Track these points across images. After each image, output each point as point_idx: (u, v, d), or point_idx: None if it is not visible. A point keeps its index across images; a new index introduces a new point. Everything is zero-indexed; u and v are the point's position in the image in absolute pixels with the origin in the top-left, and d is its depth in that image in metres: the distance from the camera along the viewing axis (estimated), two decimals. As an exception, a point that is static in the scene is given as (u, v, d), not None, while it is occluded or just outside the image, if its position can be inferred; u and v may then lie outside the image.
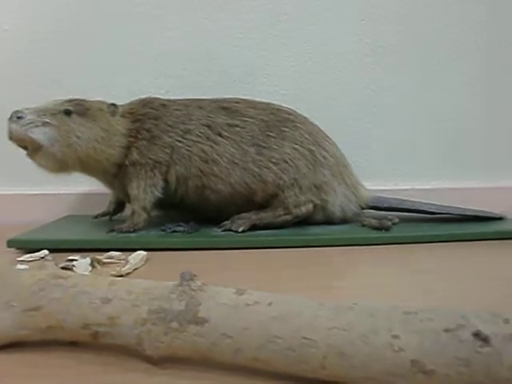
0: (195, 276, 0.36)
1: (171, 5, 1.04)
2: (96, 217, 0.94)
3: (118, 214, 0.95)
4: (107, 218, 0.94)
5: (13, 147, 0.77)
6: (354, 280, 0.65)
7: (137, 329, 0.35)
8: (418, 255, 0.75)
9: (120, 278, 0.39)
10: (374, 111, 1.10)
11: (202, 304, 0.34)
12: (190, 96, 0.90)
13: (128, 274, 0.63)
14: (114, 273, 0.61)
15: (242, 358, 0.33)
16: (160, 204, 0.84)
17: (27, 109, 0.74)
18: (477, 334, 0.29)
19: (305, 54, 1.07)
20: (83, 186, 1.02)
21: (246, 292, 0.35)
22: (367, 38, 1.08)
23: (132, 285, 0.37)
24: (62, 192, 1.05)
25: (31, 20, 1.02)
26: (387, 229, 0.83)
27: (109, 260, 0.69)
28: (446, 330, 0.30)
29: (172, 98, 0.89)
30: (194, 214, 0.86)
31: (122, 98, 0.87)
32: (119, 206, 0.94)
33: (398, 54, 1.09)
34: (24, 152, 0.78)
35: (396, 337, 0.30)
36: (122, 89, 1.00)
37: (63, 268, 0.65)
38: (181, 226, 0.82)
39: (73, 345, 0.41)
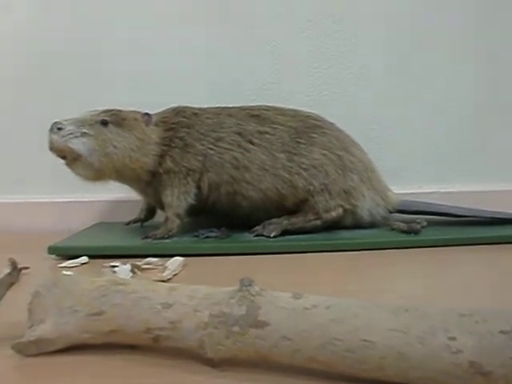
0: (253, 281, 0.37)
1: (196, 14, 1.06)
2: (128, 223, 0.96)
3: (149, 221, 0.97)
4: (138, 224, 0.96)
5: (45, 156, 0.80)
6: (391, 283, 0.66)
7: (198, 332, 0.37)
8: (449, 258, 0.76)
9: (178, 285, 0.41)
10: (398, 115, 1.11)
11: (261, 308, 0.36)
12: (216, 104, 0.92)
13: (169, 279, 0.65)
14: (156, 278, 0.63)
15: (301, 360, 0.35)
16: (192, 210, 0.85)
17: (66, 120, 0.77)
18: (532, 336, 0.30)
19: (329, 60, 1.09)
20: (112, 193, 1.05)
21: (303, 296, 0.37)
22: (391, 41, 1.09)
23: (192, 291, 0.39)
24: (92, 199, 1.07)
25: (68, 32, 1.06)
26: (416, 232, 0.84)
27: (147, 266, 0.72)
28: (502, 332, 0.31)
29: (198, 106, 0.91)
30: (225, 219, 0.87)
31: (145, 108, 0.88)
32: (150, 212, 0.96)
33: (420, 58, 1.10)
34: (56, 161, 0.81)
35: (453, 338, 0.32)
36: (146, 99, 1.02)
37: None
38: (213, 231, 0.84)
39: (131, 348, 0.43)
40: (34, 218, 1.04)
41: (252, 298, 0.36)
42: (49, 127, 0.76)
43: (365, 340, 0.33)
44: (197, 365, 0.39)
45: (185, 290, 0.40)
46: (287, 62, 1.08)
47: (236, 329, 0.36)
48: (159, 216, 0.96)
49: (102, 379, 0.39)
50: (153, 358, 0.41)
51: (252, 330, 0.36)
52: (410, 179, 1.09)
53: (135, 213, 0.98)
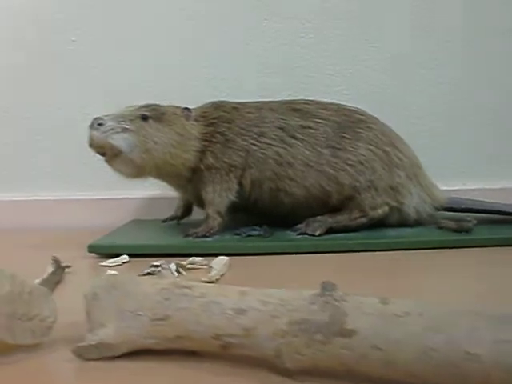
0: (336, 285, 0.34)
1: (228, 6, 1.04)
2: (164, 221, 0.94)
3: (185, 218, 0.95)
4: (175, 222, 0.94)
5: (76, 154, 0.78)
6: (449, 284, 0.62)
7: (276, 340, 0.34)
8: (505, 258, 0.72)
9: (249, 288, 0.38)
10: (440, 110, 1.06)
11: (348, 315, 0.33)
12: (252, 99, 0.89)
13: (217, 280, 0.63)
14: (205, 279, 0.60)
15: (393, 372, 0.32)
16: (232, 207, 0.83)
17: (107, 115, 0.74)
18: None
19: (367, 53, 1.05)
20: (147, 190, 1.03)
21: (390, 301, 0.34)
22: (433, 34, 1.05)
23: (266, 295, 0.36)
24: (125, 197, 1.05)
25: (97, 30, 1.04)
26: (468, 231, 0.80)
27: (192, 265, 0.69)
28: None
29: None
30: (266, 217, 0.85)
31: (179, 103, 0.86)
32: (187, 210, 0.94)
33: (466, 51, 1.05)
34: (86, 159, 0.79)
35: None
36: (180, 93, 1.00)
37: (149, 274, 0.66)
38: (255, 230, 0.81)
39: (193, 354, 0.40)
40: (68, 216, 1.03)
41: (336, 303, 0.33)
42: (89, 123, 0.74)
43: (468, 352, 0.30)
44: (268, 374, 0.37)
45: (257, 295, 0.37)
46: (324, 56, 1.05)
47: (319, 337, 0.33)
48: (195, 213, 0.93)
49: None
50: (221, 366, 0.38)
51: (337, 339, 0.33)
52: (454, 176, 1.05)
53: (169, 210, 0.96)
